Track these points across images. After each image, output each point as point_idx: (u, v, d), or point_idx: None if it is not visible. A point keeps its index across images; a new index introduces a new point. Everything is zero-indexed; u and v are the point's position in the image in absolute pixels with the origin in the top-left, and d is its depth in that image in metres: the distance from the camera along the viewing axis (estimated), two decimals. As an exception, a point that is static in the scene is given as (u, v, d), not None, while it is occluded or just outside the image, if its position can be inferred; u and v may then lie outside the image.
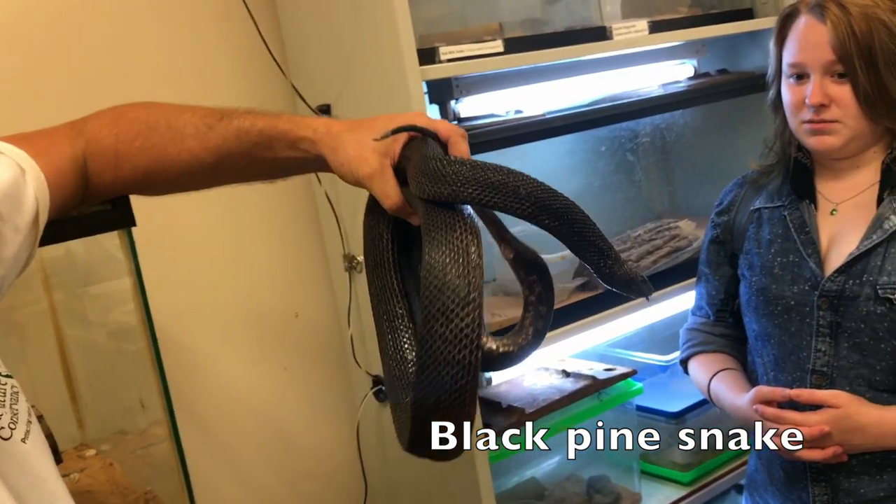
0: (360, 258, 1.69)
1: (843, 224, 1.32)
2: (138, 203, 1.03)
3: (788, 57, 1.31)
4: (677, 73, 2.03)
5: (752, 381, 1.43)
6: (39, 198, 0.85)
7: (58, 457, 1.16)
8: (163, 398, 1.18)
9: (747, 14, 2.00)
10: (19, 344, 1.39)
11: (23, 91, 1.44)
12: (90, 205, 0.96)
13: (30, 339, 1.41)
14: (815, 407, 1.26)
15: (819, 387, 1.30)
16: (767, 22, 1.94)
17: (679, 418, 1.95)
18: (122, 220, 1.00)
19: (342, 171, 0.89)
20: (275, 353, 1.78)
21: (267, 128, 0.91)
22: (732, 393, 1.39)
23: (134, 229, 1.08)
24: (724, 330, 1.52)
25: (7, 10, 1.43)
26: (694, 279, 1.72)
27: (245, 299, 1.73)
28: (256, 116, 0.92)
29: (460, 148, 0.84)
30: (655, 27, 1.76)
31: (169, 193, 1.00)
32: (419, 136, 0.84)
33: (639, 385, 1.85)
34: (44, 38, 1.47)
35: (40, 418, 1.18)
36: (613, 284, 0.82)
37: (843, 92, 1.26)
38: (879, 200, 1.29)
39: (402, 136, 0.85)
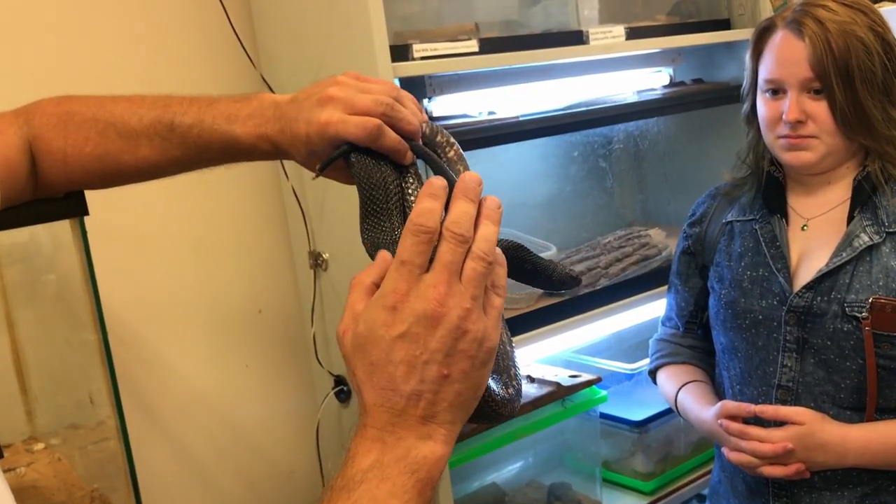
0: (326, 255, 1.67)
1: (813, 240, 1.32)
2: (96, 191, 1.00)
3: (765, 72, 1.30)
4: (652, 80, 2.02)
5: (719, 393, 1.43)
6: None
7: (-1, 452, 1.12)
8: (111, 394, 1.14)
9: (724, 25, 2.00)
10: (-31, 333, 1.34)
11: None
12: (44, 197, 0.93)
13: (-21, 327, 1.36)
14: (779, 423, 1.26)
15: (784, 402, 1.30)
16: (744, 33, 1.94)
17: (642, 427, 1.95)
18: (74, 209, 0.96)
19: None
20: (236, 350, 1.75)
21: (225, 149, 0.87)
22: (698, 406, 1.38)
23: (93, 217, 1.05)
24: (692, 341, 1.51)
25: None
26: (662, 288, 1.71)
27: (208, 294, 1.69)
28: (208, 131, 0.87)
29: (386, 149, 0.77)
30: (632, 34, 1.75)
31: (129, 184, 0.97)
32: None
33: (603, 393, 1.84)
34: (9, 22, 1.42)
35: (-18, 413, 1.14)
36: (553, 288, 0.83)
37: (820, 108, 1.25)
38: (850, 218, 1.29)
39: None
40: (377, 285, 0.62)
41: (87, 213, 1.00)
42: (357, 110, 0.78)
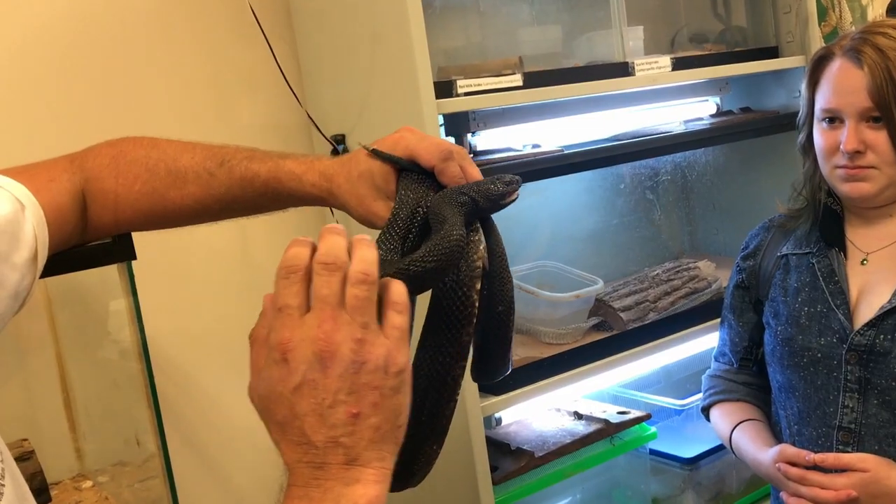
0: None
1: (874, 275, 1.27)
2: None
3: (822, 101, 1.27)
4: (699, 110, 1.99)
5: (776, 433, 1.38)
6: (38, 234, 0.83)
7: (47, 495, 1.12)
8: (157, 434, 1.14)
9: (772, 52, 1.96)
10: (21, 371, 1.36)
11: (38, 117, 1.42)
12: (91, 241, 0.94)
13: (32, 366, 1.38)
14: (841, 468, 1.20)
15: (846, 444, 1.24)
16: (792, 61, 1.91)
17: (693, 464, 1.89)
18: (122, 253, 0.96)
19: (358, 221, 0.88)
20: (281, 385, 1.74)
21: (271, 180, 0.88)
22: (755, 446, 1.33)
23: (140, 255, 1.05)
24: (747, 378, 1.46)
25: (20, 32, 1.41)
26: (712, 322, 1.67)
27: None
28: (258, 163, 0.89)
29: (450, 175, 0.79)
30: (678, 64, 1.73)
31: (173, 227, 0.97)
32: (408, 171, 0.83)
33: (653, 430, 1.79)
34: (59, 65, 1.45)
35: (30, 454, 1.15)
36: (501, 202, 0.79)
37: (879, 138, 1.21)
38: (913, 252, 1.24)
39: (393, 175, 0.83)
40: None
41: (134, 258, 1.00)
42: (432, 139, 0.81)
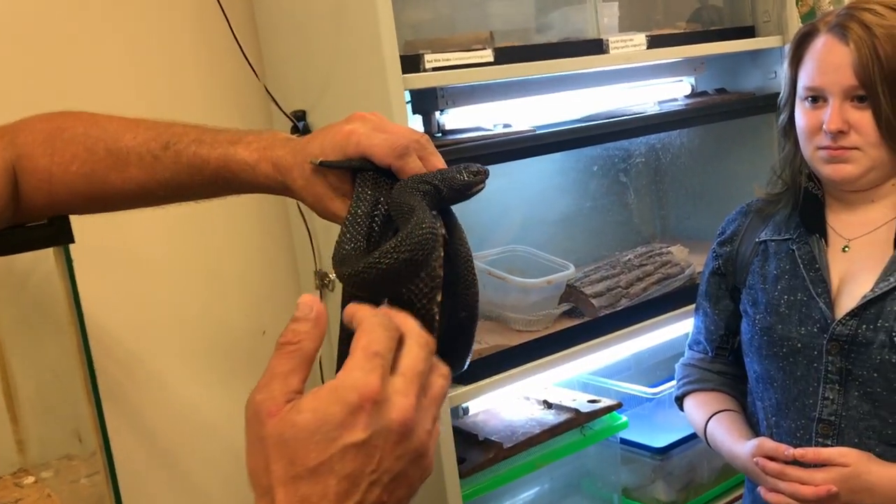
0: (333, 275, 1.59)
1: (856, 262, 1.23)
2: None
3: (805, 79, 1.22)
4: (674, 90, 1.94)
5: (752, 424, 1.34)
6: None
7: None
8: (98, 428, 1.06)
9: (748, 32, 1.91)
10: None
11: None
12: (24, 222, 0.86)
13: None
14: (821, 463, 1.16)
15: (825, 437, 1.20)
16: (769, 41, 1.87)
17: (664, 454, 1.86)
18: (58, 236, 0.89)
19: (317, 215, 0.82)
20: (240, 374, 1.67)
21: (221, 169, 0.81)
22: (731, 438, 1.29)
23: (88, 241, 0.99)
24: (722, 367, 1.42)
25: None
26: (685, 308, 1.63)
27: (210, 315, 1.62)
28: (207, 148, 0.82)
29: (409, 173, 0.72)
30: (654, 42, 1.67)
31: (114, 211, 0.90)
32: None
33: (624, 419, 1.75)
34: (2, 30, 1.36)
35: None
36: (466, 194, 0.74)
37: (864, 118, 1.17)
38: (898, 239, 1.20)
39: (348, 174, 0.76)
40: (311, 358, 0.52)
41: (72, 241, 0.93)
42: (387, 131, 0.73)
